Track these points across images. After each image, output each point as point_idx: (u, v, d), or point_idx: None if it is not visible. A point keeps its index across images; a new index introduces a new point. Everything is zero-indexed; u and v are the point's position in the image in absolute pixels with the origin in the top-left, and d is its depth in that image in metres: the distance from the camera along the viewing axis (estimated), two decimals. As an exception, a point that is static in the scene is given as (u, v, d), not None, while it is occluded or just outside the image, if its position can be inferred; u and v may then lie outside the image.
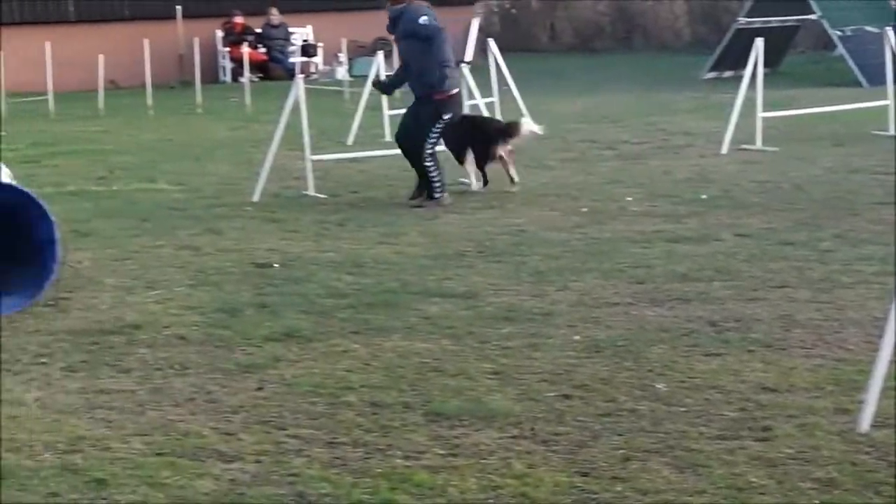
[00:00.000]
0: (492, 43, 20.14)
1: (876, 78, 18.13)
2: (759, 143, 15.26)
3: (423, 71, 12.22)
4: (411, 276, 9.15)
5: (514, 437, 5.78)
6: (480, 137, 12.82)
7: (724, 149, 15.04)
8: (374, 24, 32.13)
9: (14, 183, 9.12)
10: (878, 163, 13.69)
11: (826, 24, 24.00)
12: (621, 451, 5.56)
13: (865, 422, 5.68)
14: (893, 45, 16.33)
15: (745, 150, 15.11)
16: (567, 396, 6.36)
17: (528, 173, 13.92)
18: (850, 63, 22.86)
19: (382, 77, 15.67)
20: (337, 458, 5.57)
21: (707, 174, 13.58)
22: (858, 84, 21.73)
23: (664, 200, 12.10)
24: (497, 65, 19.20)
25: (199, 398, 6.48)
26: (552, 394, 6.40)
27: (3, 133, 19.22)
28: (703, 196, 12.19)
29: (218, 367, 6.99)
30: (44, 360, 7.24)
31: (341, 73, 27.48)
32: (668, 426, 5.87)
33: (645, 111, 20.24)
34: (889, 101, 15.80)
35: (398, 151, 12.75)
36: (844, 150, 14.80)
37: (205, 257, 10.02)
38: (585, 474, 5.32)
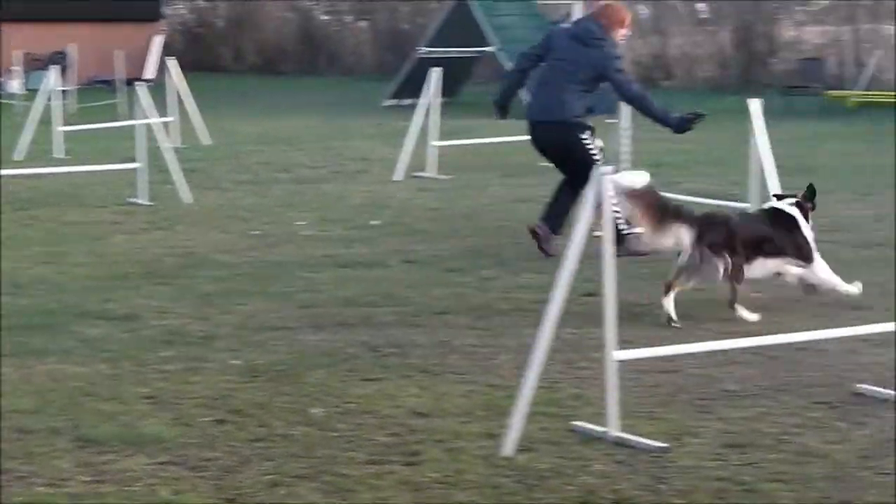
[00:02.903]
0: (172, 61, 19.99)
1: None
2: (432, 172, 15.53)
3: None
4: (73, 298, 8.97)
5: (162, 462, 5.73)
6: None
7: (399, 176, 15.25)
8: (52, 36, 31.59)
9: None
10: (545, 193, 13.99)
11: (502, 57, 24.61)
12: (270, 477, 5.57)
13: (509, 446, 5.84)
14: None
15: (418, 177, 15.35)
16: (221, 421, 6.34)
17: (200, 195, 13.83)
18: (524, 95, 23.43)
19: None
20: (-28, 486, 5.41)
21: (380, 200, 13.75)
22: (532, 116, 22.27)
23: (336, 225, 12.20)
24: (177, 84, 19.06)
25: None
26: (206, 419, 6.37)
27: None
28: (375, 222, 12.34)
29: None
30: None
31: (16, 86, 26.71)
32: (319, 451, 5.92)
33: (324, 135, 20.37)
34: (557, 134, 16.24)
35: (72, 168, 12.44)
36: (514, 181, 15.18)
37: None
38: (231, 500, 5.32)
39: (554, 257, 10.43)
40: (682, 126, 10.51)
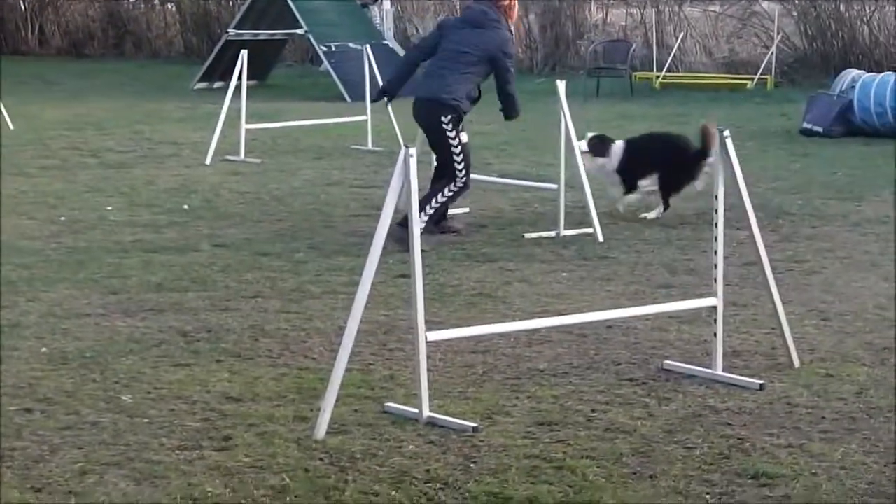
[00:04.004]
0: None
1: (358, 93, 18.63)
2: (242, 155, 15.41)
3: None
4: None
5: (-34, 454, 5.61)
6: None
7: (209, 159, 15.09)
8: None
9: None
10: (356, 176, 14.12)
11: (312, 39, 24.51)
12: (79, 465, 5.49)
13: (321, 429, 5.85)
14: (373, 61, 16.90)
15: (229, 161, 15.22)
16: (28, 410, 6.22)
17: (6, 181, 13.52)
18: (335, 78, 23.42)
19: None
20: None
21: (190, 184, 13.60)
22: (342, 99, 22.26)
23: (145, 210, 12.04)
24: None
25: None
26: (13, 408, 6.25)
27: None
28: (185, 206, 12.21)
29: None
30: None
31: None
32: (129, 438, 5.85)
33: (132, 119, 20.05)
34: (367, 117, 16.30)
35: None
36: (325, 163, 15.16)
37: None
38: (39, 490, 5.23)
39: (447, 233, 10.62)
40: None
